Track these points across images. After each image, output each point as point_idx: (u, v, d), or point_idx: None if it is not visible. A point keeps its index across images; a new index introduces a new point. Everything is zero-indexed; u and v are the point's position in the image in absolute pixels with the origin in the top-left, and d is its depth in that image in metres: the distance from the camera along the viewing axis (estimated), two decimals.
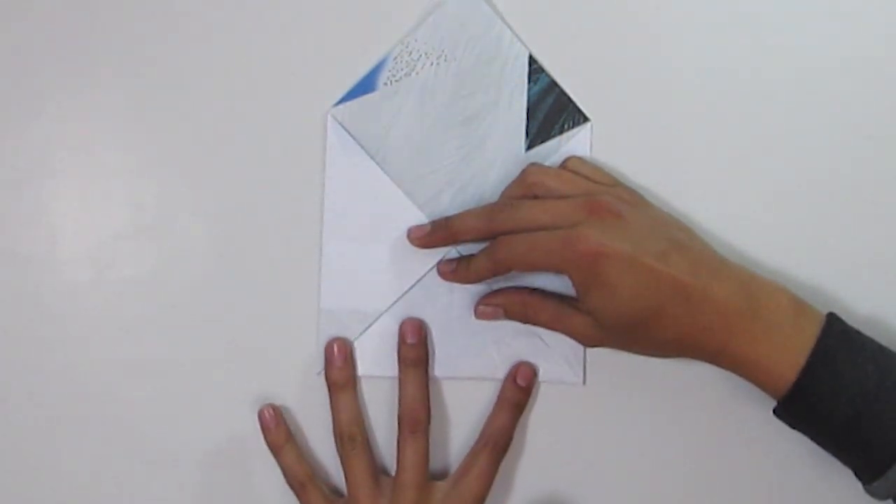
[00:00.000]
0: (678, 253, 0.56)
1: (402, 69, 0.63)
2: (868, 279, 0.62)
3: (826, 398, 0.54)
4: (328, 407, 0.62)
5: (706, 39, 0.63)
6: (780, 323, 0.55)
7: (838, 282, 0.62)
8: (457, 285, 0.62)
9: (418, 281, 0.63)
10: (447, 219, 0.61)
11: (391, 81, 0.63)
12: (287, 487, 0.62)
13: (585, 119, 0.63)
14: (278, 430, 0.62)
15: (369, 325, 0.63)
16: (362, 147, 0.63)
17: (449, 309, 0.63)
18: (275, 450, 0.62)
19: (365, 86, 0.63)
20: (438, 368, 0.63)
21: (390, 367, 0.63)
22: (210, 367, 0.63)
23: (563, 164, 0.62)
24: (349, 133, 0.63)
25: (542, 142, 0.63)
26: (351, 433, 0.61)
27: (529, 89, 0.63)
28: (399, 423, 0.61)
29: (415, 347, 0.62)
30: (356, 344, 0.63)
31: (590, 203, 0.57)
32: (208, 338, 0.63)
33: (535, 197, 0.60)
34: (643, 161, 0.63)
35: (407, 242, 0.62)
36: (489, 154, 0.63)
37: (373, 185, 0.63)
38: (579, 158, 0.62)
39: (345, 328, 0.63)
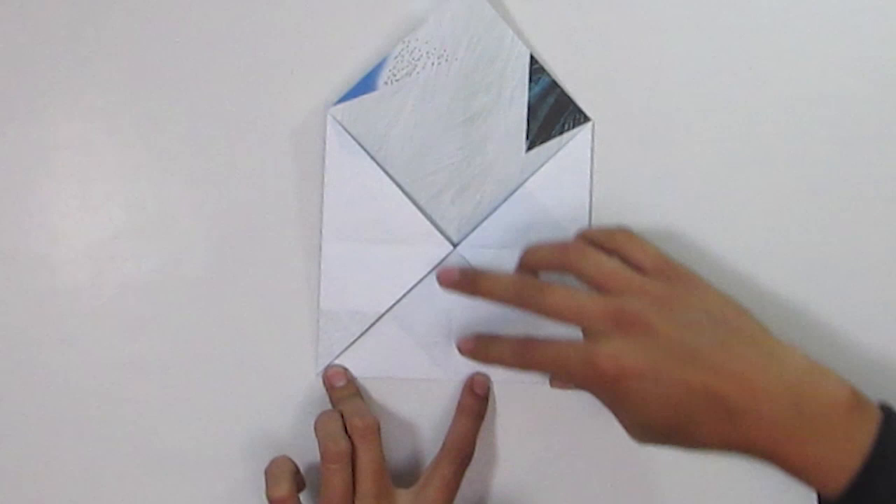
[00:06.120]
0: (714, 355, 0.52)
1: (402, 69, 0.63)
2: (869, 282, 0.62)
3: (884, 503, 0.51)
4: (327, 409, 0.62)
5: (707, 39, 0.63)
6: (831, 425, 0.51)
7: (838, 283, 0.62)
8: None
9: (419, 281, 0.63)
10: (476, 274, 0.59)
11: (391, 81, 0.63)
12: None
13: (586, 119, 0.63)
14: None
15: (369, 326, 0.63)
16: (362, 147, 0.63)
17: (448, 310, 0.63)
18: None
19: (365, 86, 0.63)
20: (438, 370, 0.63)
21: (390, 369, 0.63)
22: (210, 367, 0.63)
23: (612, 235, 0.58)
24: (349, 133, 0.63)
25: (543, 142, 0.63)
26: (336, 449, 0.59)
27: (530, 89, 0.63)
28: (350, 436, 0.60)
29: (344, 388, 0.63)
30: (356, 344, 0.63)
31: (618, 314, 0.54)
32: (208, 338, 0.63)
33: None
34: (643, 161, 0.63)
35: (407, 243, 0.62)
36: (490, 154, 0.63)
37: (373, 185, 0.63)
38: (627, 233, 0.58)
39: (345, 328, 0.63)
